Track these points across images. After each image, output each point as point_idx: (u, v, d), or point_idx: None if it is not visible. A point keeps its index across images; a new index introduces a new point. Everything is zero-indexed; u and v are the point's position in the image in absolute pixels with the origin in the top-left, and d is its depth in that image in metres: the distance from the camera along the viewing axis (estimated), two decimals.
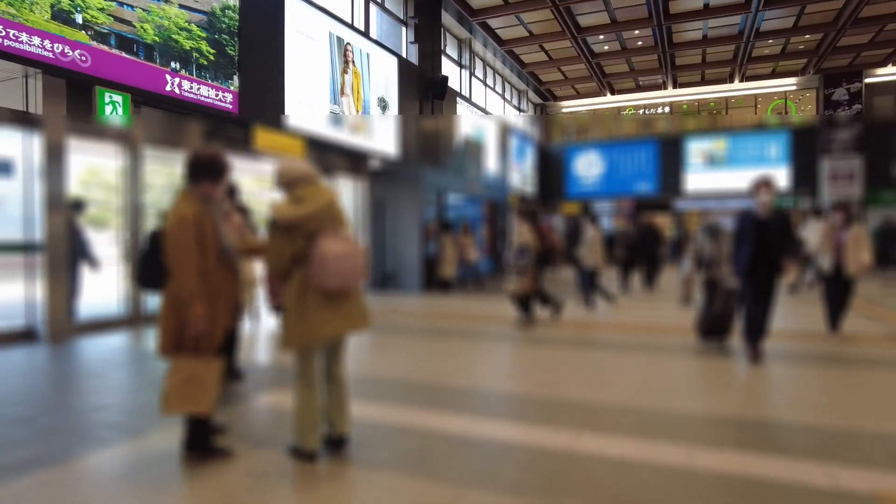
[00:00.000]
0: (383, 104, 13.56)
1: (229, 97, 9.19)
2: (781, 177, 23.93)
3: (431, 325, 8.57)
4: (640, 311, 9.64)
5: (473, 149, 15.79)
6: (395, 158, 13.82)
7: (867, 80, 22.49)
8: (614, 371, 5.60)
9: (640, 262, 13.01)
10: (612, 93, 26.36)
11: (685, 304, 9.74)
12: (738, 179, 24.61)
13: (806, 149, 23.38)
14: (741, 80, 24.30)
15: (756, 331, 5.88)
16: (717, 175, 25.07)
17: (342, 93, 12.03)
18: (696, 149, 25.73)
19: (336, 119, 11.80)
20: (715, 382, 5.20)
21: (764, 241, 5.68)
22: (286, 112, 10.32)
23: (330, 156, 12.09)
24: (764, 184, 5.80)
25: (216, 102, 8.96)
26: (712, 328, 6.53)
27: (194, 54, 8.60)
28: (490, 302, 11.00)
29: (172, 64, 8.26)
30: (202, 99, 8.74)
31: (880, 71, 22.27)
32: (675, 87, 25.44)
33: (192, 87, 8.58)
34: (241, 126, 9.46)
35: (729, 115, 25.73)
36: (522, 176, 24.75)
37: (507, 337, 7.49)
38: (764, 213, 5.78)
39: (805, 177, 23.44)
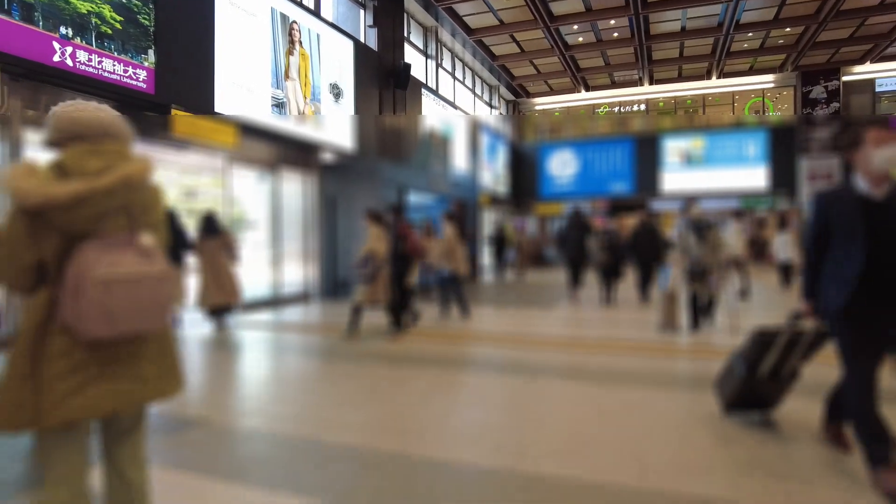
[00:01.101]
0: (336, 91, 12.23)
1: (142, 74, 7.77)
2: (759, 177, 23.29)
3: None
4: (595, 327, 8.52)
5: (439, 143, 14.54)
6: (349, 151, 12.49)
7: (845, 78, 21.93)
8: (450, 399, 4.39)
9: (631, 267, 11.18)
10: (587, 89, 25.41)
11: (667, 329, 7.91)
12: (715, 179, 23.94)
13: (784, 148, 22.78)
14: (719, 77, 23.56)
15: (865, 413, 2.89)
16: (695, 174, 24.31)
17: (286, 76, 10.67)
18: (674, 148, 24.97)
19: (279, 106, 10.44)
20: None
21: (887, 241, 2.86)
22: (215, 95, 8.93)
23: (272, 147, 10.73)
24: (883, 134, 2.86)
25: (125, 80, 7.54)
26: (754, 396, 3.91)
27: (93, 20, 7.17)
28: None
29: (62, 30, 6.83)
30: (105, 75, 7.31)
31: (857, 69, 21.73)
32: (651, 83, 24.61)
33: (91, 60, 7.15)
34: (157, 109, 8.04)
35: (706, 113, 25.01)
36: (494, 175, 23.61)
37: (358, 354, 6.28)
38: (880, 189, 2.91)
39: (783, 176, 22.82)
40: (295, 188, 11.70)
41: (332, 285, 11.60)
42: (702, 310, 7.83)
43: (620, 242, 11.23)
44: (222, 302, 8.36)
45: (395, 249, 7.71)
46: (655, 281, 10.23)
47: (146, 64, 7.82)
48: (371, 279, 7.16)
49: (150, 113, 7.98)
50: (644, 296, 10.87)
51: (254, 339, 7.76)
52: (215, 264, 8.27)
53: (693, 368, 5.87)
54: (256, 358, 6.85)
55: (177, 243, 7.33)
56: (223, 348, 7.30)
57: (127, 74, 7.55)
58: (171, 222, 7.06)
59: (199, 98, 8.69)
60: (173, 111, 8.01)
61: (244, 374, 6.10)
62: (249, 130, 9.83)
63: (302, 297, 11.62)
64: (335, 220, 11.64)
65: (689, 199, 8.40)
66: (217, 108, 8.95)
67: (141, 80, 7.74)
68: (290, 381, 5.62)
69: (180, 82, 8.34)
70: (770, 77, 23.07)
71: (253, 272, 11.46)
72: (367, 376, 5.43)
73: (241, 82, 9.51)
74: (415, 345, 7.01)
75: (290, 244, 11.83)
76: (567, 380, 5.22)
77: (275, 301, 10.80)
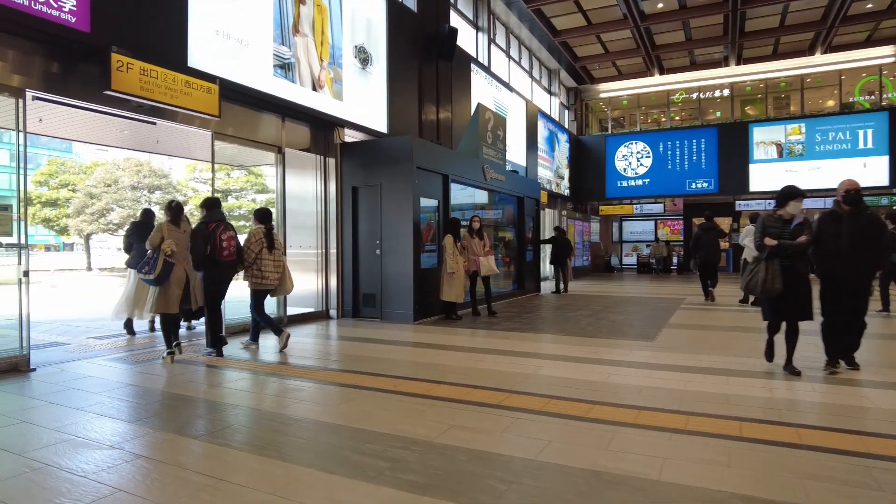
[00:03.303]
0: (363, 56, 9.72)
1: (69, 3, 5.43)
2: (880, 169, 19.32)
3: None
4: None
5: (498, 126, 11.77)
6: (377, 131, 9.94)
7: None
8: None
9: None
10: (662, 72, 22.11)
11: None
12: (818, 174, 20.14)
13: None
14: (824, 52, 19.81)
15: None
16: (792, 169, 20.56)
17: (295, 30, 8.22)
18: (765, 138, 21.28)
19: (284, 67, 7.99)
20: None
21: None
22: (189, 44, 6.54)
23: (271, 119, 8.29)
24: None
25: (41, 8, 5.22)
26: None
27: None
28: (504, 338, 7.06)
29: None
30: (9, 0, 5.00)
31: None
32: (738, 62, 21.07)
33: None
34: (92, 54, 5.69)
35: (804, 96, 21.23)
36: (554, 171, 20.68)
37: None
38: None
39: None
40: (304, 175, 9.22)
41: (354, 302, 9.05)
42: None
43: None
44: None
45: (202, 251, 5.75)
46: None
47: None
48: (158, 282, 5.53)
49: (78, 56, 5.66)
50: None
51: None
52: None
53: None
54: None
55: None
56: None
57: (43, 1, 5.22)
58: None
59: (163, 45, 6.31)
60: (116, 56, 5.63)
61: None
62: (238, 94, 7.39)
63: (320, 316, 9.13)
64: (357, 217, 9.09)
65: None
66: (192, 63, 6.56)
67: (66, 9, 5.40)
68: None
69: (131, 16, 5.98)
70: (890, 50, 19.13)
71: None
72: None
73: (229, 31, 7.10)
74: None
75: (300, 245, 9.34)
76: None
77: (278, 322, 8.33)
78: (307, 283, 9.30)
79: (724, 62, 21.20)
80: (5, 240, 5.42)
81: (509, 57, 17.30)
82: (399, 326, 8.18)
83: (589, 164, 23.54)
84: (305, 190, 9.31)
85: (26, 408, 4.06)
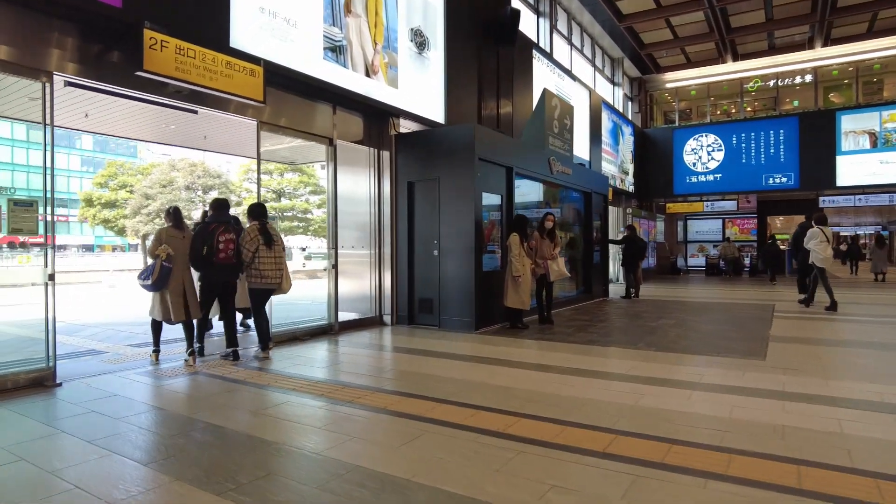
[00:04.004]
0: (420, 39, 8.93)
1: None
2: None
3: None
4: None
5: (565, 113, 10.74)
6: (434, 122, 9.13)
7: None
8: None
9: None
10: (736, 58, 20.41)
11: None
12: None
13: None
14: None
15: None
16: (889, 160, 18.49)
17: (347, 10, 7.50)
18: (855, 126, 19.25)
19: (335, 51, 7.28)
20: None
21: None
22: (230, 22, 5.90)
23: (321, 108, 7.59)
24: None
25: None
26: None
27: None
28: (552, 351, 6.09)
29: None
30: None
31: None
32: (825, 44, 19.16)
33: None
34: (124, 32, 5.10)
35: None
36: (618, 165, 19.38)
37: None
38: None
39: None
40: (356, 169, 8.52)
41: (410, 308, 8.26)
42: None
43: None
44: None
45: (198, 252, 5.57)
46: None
47: None
48: (156, 288, 5.44)
49: (111, 32, 5.08)
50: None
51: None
52: None
53: None
54: None
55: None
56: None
57: None
58: None
59: (202, 22, 5.69)
60: (149, 34, 5.01)
61: None
62: (283, 79, 6.72)
63: (373, 322, 8.39)
64: (412, 215, 8.30)
65: None
66: (234, 43, 5.91)
67: None
68: None
69: None
70: None
71: (304, 287, 8.53)
72: None
73: (276, 8, 6.43)
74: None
75: (352, 246, 8.64)
76: None
77: (326, 330, 7.63)
78: (360, 286, 8.58)
79: (807, 44, 19.33)
80: (31, 239, 4.88)
81: (571, 44, 16.19)
82: (459, 336, 7.32)
83: (655, 158, 22.05)
84: (358, 185, 8.60)
85: (32, 438, 3.42)
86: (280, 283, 5.93)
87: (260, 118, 6.64)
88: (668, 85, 22.56)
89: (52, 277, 4.74)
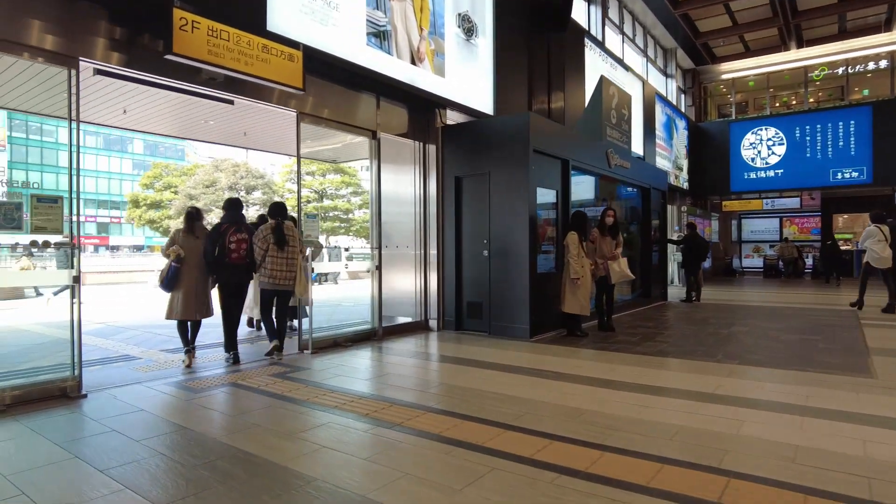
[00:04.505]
0: (467, 25, 8.35)
1: None
2: None
3: None
4: None
5: (623, 103, 9.97)
6: (483, 113, 8.54)
7: None
8: None
9: None
10: (800, 44, 19.06)
11: None
12: None
13: None
14: None
15: None
16: None
17: None
18: None
19: (378, 36, 6.78)
20: None
21: None
22: (268, 4, 5.44)
23: (364, 98, 7.09)
24: None
25: None
26: None
27: None
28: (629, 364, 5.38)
29: None
30: None
31: None
32: None
33: None
34: (153, 12, 4.70)
35: None
36: (672, 161, 18.35)
37: None
38: None
39: None
40: (400, 163, 8.01)
41: (457, 312, 7.70)
42: None
43: None
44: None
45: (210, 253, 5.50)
46: None
47: None
48: (167, 288, 5.43)
49: (129, 12, 4.68)
50: None
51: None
52: None
53: None
54: None
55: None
56: None
57: None
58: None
59: (237, 4, 5.26)
60: (178, 13, 4.59)
61: None
62: (322, 65, 6.25)
63: (418, 327, 7.86)
64: (460, 212, 7.73)
65: None
66: (272, 27, 5.46)
67: None
68: None
69: None
70: None
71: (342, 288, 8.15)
72: None
73: None
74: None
75: (396, 246, 8.13)
76: None
77: (369, 335, 7.14)
78: (404, 288, 8.07)
79: (883, 27, 17.84)
80: (54, 238, 4.53)
81: (622, 33, 15.31)
82: (512, 345, 6.69)
83: (710, 153, 20.83)
84: (402, 181, 8.09)
85: (42, 464, 3.00)
86: (290, 285, 5.71)
87: (300, 109, 6.19)
88: (724, 76, 21.30)
89: (77, 280, 4.37)
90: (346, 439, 3.40)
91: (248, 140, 9.50)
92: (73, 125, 4.42)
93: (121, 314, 10.05)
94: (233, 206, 5.86)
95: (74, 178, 4.38)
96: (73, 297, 4.39)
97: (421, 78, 7.39)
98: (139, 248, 59.35)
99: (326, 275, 18.65)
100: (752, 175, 20.31)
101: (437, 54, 7.76)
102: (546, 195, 7.65)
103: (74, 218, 4.41)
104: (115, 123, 8.42)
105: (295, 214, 6.52)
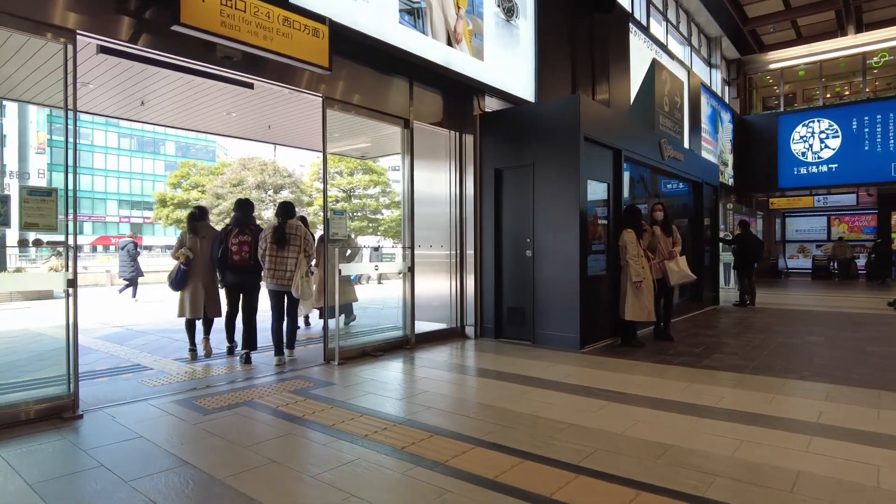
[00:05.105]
0: (508, 5, 7.65)
1: None
2: None
3: None
4: None
5: (675, 90, 9.12)
6: (524, 100, 7.82)
7: None
8: None
9: None
10: (859, 28, 17.77)
11: None
12: None
13: None
14: None
15: None
16: None
17: None
18: None
19: (412, 14, 6.12)
20: None
21: None
22: None
23: (396, 83, 6.45)
24: None
25: None
26: None
27: None
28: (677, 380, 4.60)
29: None
30: None
31: None
32: None
33: None
34: None
35: None
36: (717, 156, 17.29)
37: None
38: None
39: None
40: (437, 158, 7.35)
41: (497, 319, 7.01)
42: None
43: None
44: None
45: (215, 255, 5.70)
46: None
47: None
48: (175, 288, 5.70)
49: None
50: None
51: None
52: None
53: None
54: None
55: None
56: None
57: None
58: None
59: None
60: None
61: None
62: (349, 43, 5.63)
63: (454, 334, 7.19)
64: (500, 208, 7.03)
65: None
66: None
67: None
68: None
69: None
70: None
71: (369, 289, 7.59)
72: None
73: None
74: None
75: (430, 245, 7.48)
76: None
77: (400, 343, 6.49)
78: (438, 291, 7.40)
79: None
80: (47, 237, 3.99)
81: (666, 20, 14.38)
82: (561, 356, 5.96)
83: (756, 148, 19.63)
84: (436, 175, 7.44)
85: None
86: (286, 285, 5.51)
87: (326, 94, 5.58)
88: (772, 66, 20.06)
89: (72, 284, 3.82)
90: (379, 484, 2.74)
91: (273, 134, 8.99)
92: (70, 114, 3.87)
93: (143, 315, 9.64)
94: (241, 208, 5.87)
95: (72, 175, 3.84)
96: (67, 304, 3.84)
97: (458, 60, 6.71)
98: (170, 248, 60.03)
99: (360, 275, 18.15)
100: (803, 170, 19.07)
101: (476, 35, 7.07)
102: (596, 189, 6.88)
103: (71, 216, 3.86)
104: (135, 117, 7.99)
105: (318, 211, 5.99)
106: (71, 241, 3.85)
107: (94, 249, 56.92)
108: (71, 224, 3.83)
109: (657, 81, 8.26)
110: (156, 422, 3.73)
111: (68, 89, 3.88)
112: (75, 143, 3.86)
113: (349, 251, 7.34)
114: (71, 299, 3.83)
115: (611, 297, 6.75)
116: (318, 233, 8.57)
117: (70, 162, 3.79)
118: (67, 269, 3.84)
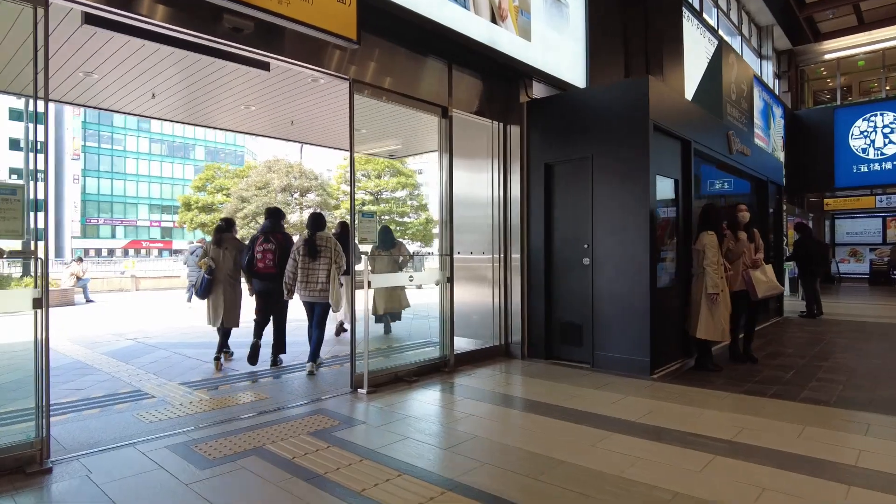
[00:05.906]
0: None
1: None
2: None
3: None
4: None
5: (742, 78, 8.09)
6: (574, 85, 6.92)
7: None
8: None
9: None
10: None
11: None
12: None
13: None
14: None
15: None
16: None
17: None
18: None
19: None
20: None
21: None
22: None
23: (433, 66, 5.62)
24: None
25: None
26: None
27: None
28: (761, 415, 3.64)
29: None
30: None
31: None
32: None
33: None
34: None
35: None
36: (770, 153, 16.02)
37: None
38: None
39: None
40: (478, 152, 6.49)
41: (547, 337, 6.11)
42: None
43: None
44: None
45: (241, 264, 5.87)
46: None
47: None
48: (201, 296, 5.86)
49: None
50: None
51: None
52: None
53: None
54: None
55: None
56: None
57: None
58: None
59: None
60: None
61: None
62: (392, 26, 4.82)
63: (497, 353, 6.31)
64: (551, 208, 6.14)
65: None
66: None
67: None
68: None
69: None
70: None
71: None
72: None
73: None
74: None
75: (470, 252, 6.61)
76: None
77: (438, 366, 5.64)
78: (479, 303, 6.54)
79: None
80: (7, 244, 3.26)
81: (717, 6, 13.27)
82: (630, 385, 5.03)
83: (811, 145, 18.25)
84: (476, 172, 6.58)
85: None
86: (325, 297, 5.48)
87: (354, 76, 4.78)
88: (828, 56, 18.67)
89: (39, 304, 3.07)
90: None
91: (296, 131, 8.29)
92: (40, 102, 3.14)
93: (161, 324, 9.01)
94: (270, 215, 6.04)
95: (37, 175, 3.11)
96: (36, 330, 3.09)
97: (503, 39, 5.84)
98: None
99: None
100: (864, 168, 17.64)
101: (522, 12, 6.20)
102: (662, 185, 5.91)
103: (38, 225, 3.12)
104: (147, 113, 7.39)
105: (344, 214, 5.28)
106: (41, 252, 3.11)
107: (126, 253, 57.71)
108: (41, 230, 3.09)
109: (724, 66, 7.28)
110: (139, 480, 2.95)
111: (38, 64, 3.14)
112: (46, 134, 3.13)
113: (401, 258, 7.20)
114: (40, 323, 3.09)
115: (681, 311, 5.78)
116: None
117: (40, 163, 3.06)
118: (37, 286, 3.10)
